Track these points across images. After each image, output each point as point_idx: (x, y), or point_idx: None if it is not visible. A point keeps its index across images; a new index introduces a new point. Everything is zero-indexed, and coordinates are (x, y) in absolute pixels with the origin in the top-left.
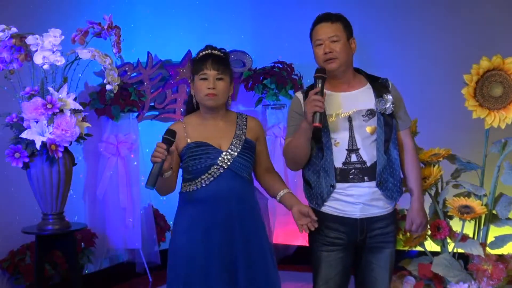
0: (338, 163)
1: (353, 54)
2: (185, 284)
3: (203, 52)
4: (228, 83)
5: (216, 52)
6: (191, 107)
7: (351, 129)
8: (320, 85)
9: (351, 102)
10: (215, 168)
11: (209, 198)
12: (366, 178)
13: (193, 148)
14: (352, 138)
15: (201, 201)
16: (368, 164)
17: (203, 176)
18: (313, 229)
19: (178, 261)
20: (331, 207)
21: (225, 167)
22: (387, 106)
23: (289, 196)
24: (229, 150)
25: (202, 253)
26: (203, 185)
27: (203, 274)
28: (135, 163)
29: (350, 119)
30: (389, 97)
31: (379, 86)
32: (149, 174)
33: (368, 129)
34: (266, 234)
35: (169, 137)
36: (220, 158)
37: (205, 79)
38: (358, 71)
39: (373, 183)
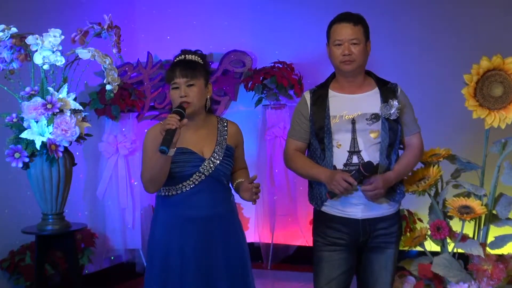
0: (339, 164)
1: (368, 56)
2: (161, 285)
3: (176, 59)
4: (202, 87)
5: (188, 56)
6: None
7: (353, 131)
8: (357, 180)
9: (356, 105)
10: (197, 175)
11: (188, 203)
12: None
13: (176, 154)
14: (354, 141)
15: (180, 206)
16: None
17: (185, 183)
18: (258, 195)
19: (155, 263)
20: (332, 207)
21: (207, 174)
22: (392, 111)
23: (241, 182)
24: (212, 158)
25: (178, 256)
26: (184, 190)
27: (179, 278)
28: (135, 163)
29: (353, 121)
30: (395, 103)
31: (387, 91)
32: (162, 140)
33: (371, 133)
34: (245, 238)
35: (181, 110)
36: (202, 166)
37: (176, 88)
38: (368, 74)
39: None
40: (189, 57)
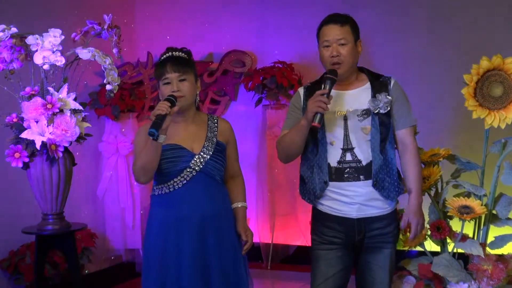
0: (333, 162)
1: (359, 56)
2: (159, 286)
3: (164, 56)
4: (193, 82)
5: (175, 53)
6: None
7: (346, 128)
8: (328, 87)
9: (348, 101)
10: (187, 171)
11: (182, 201)
12: (361, 177)
13: (166, 150)
14: (347, 137)
15: (174, 203)
16: (364, 163)
17: (176, 179)
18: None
19: (151, 263)
20: (328, 206)
21: (198, 169)
22: (380, 105)
23: (240, 210)
24: (202, 153)
25: (175, 255)
26: (176, 187)
27: (176, 275)
28: None
29: (345, 118)
30: (382, 96)
31: (379, 85)
32: (152, 123)
33: (363, 129)
34: (239, 237)
35: (172, 98)
36: (192, 161)
37: (168, 83)
38: (361, 69)
39: (370, 182)
40: (176, 53)
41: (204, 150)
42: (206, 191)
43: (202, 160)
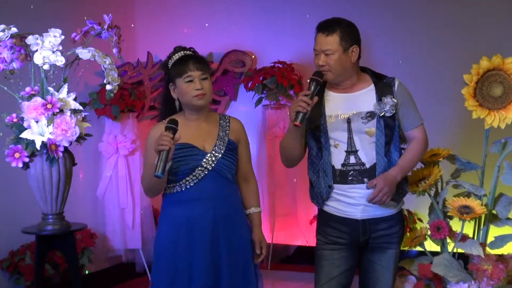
0: (337, 165)
1: (353, 62)
2: (169, 285)
3: (179, 54)
4: (211, 81)
5: (186, 52)
6: (171, 109)
7: (349, 130)
8: (312, 88)
9: (351, 104)
10: (199, 170)
11: (193, 199)
12: (365, 179)
13: (177, 149)
14: (350, 140)
15: (186, 202)
16: (367, 165)
17: (188, 178)
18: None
19: (162, 262)
20: (333, 207)
21: (209, 168)
22: (386, 109)
23: (256, 217)
24: (213, 152)
25: (186, 254)
26: (188, 186)
27: (187, 275)
28: (135, 163)
29: (349, 121)
30: (388, 99)
31: (383, 86)
32: (156, 163)
33: (367, 132)
34: (249, 236)
35: (173, 125)
36: (204, 160)
37: (190, 81)
38: (363, 70)
39: None
40: (187, 52)
41: (215, 148)
42: (218, 190)
43: (214, 158)
